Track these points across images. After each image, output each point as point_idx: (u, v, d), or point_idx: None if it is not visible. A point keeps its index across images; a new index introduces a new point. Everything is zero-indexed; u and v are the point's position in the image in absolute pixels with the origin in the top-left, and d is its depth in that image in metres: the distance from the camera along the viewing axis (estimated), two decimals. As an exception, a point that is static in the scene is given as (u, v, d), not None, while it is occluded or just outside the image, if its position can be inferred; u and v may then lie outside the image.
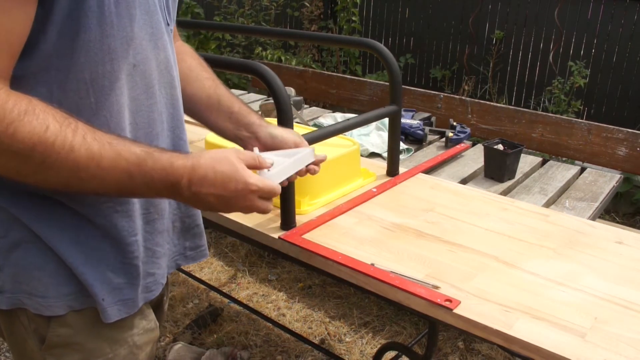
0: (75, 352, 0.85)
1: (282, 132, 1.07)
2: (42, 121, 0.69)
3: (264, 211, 0.87)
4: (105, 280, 0.84)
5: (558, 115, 2.29)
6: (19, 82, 0.72)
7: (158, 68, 0.87)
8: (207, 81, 1.08)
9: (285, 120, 1.22)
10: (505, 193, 1.69)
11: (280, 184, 0.91)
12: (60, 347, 0.84)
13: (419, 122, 2.13)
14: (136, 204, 0.86)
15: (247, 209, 0.86)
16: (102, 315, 0.85)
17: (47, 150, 0.69)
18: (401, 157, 1.80)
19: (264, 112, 2.09)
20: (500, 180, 1.74)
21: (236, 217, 1.39)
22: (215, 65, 1.21)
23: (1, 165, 0.70)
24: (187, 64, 1.08)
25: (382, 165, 1.70)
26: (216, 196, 0.81)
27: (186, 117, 1.00)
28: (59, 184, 0.74)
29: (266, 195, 0.86)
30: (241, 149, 0.94)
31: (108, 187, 0.76)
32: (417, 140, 2.06)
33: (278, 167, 0.93)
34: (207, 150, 0.84)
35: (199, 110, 1.07)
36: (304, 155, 1.01)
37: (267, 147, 1.05)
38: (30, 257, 0.80)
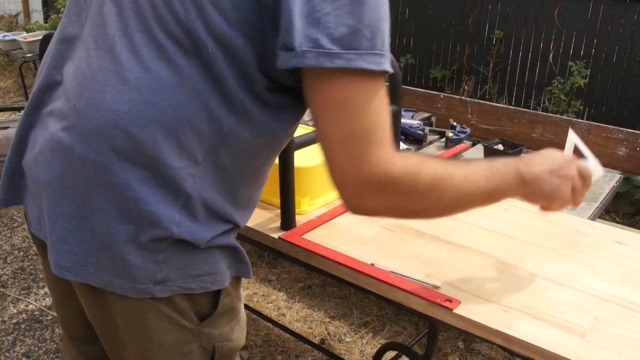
0: (227, 316, 0.93)
1: None
2: (429, 165, 0.82)
3: (582, 189, 0.99)
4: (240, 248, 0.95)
5: (558, 115, 2.29)
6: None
7: None
8: None
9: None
10: (505, 193, 1.69)
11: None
12: (220, 315, 0.92)
13: (419, 122, 2.13)
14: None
15: (569, 181, 0.97)
16: (249, 273, 0.95)
17: (438, 184, 0.82)
18: (401, 157, 1.80)
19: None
20: (500, 180, 1.74)
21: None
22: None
23: (412, 210, 0.85)
24: None
25: (382, 165, 1.69)
26: (546, 172, 0.94)
27: None
28: (448, 210, 0.89)
29: (582, 169, 1.00)
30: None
31: (477, 197, 0.88)
32: (417, 140, 2.06)
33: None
34: None
35: None
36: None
37: None
38: (194, 249, 0.85)
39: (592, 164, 1.04)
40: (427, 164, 0.83)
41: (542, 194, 0.95)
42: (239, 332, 0.96)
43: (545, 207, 0.99)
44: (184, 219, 0.81)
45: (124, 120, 0.77)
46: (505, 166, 0.91)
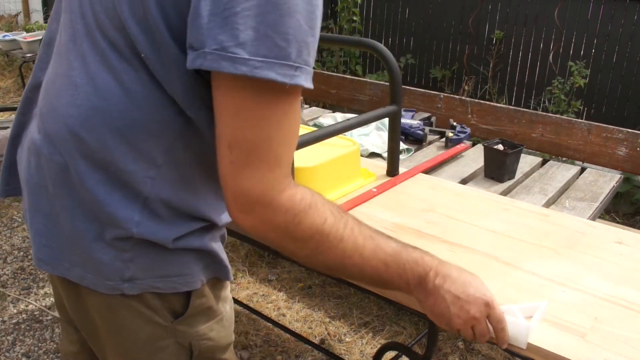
0: (204, 316, 0.93)
1: None
2: (321, 214, 0.79)
3: (479, 335, 0.90)
4: (221, 251, 0.94)
5: (558, 115, 2.29)
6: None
7: None
8: None
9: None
10: (505, 193, 1.69)
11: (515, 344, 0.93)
12: (194, 315, 0.91)
13: (419, 122, 2.13)
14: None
15: (468, 322, 0.88)
16: (228, 275, 0.95)
17: (321, 239, 0.79)
18: (401, 157, 1.80)
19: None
20: (500, 180, 1.74)
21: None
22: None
23: (281, 245, 0.81)
24: None
25: (382, 165, 1.70)
26: (452, 295, 0.87)
27: None
28: (324, 267, 0.85)
29: (495, 319, 0.89)
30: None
31: (365, 274, 0.85)
32: (417, 140, 2.06)
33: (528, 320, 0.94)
34: None
35: None
36: (543, 310, 0.99)
37: None
38: (161, 250, 0.85)
39: (523, 329, 0.92)
40: (320, 213, 0.78)
41: (433, 311, 0.88)
42: (220, 331, 0.96)
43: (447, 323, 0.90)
44: (145, 220, 0.81)
45: (76, 126, 0.79)
46: (415, 263, 0.86)
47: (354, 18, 4.24)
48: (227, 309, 0.99)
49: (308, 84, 0.71)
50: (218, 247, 0.92)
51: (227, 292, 1.00)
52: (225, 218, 0.92)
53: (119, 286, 0.84)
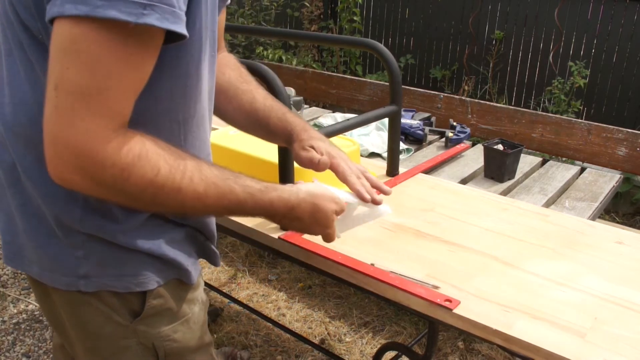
0: (165, 317, 0.93)
1: (318, 144, 1.09)
2: (153, 165, 0.73)
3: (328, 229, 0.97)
4: (186, 254, 0.93)
5: (558, 115, 2.29)
6: None
7: (209, 99, 0.93)
8: (244, 96, 1.09)
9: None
10: (505, 193, 1.69)
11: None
12: (152, 316, 0.91)
13: (419, 122, 2.13)
14: None
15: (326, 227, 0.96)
16: (188, 279, 0.94)
17: (156, 192, 0.75)
18: (401, 157, 1.80)
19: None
20: (500, 180, 1.74)
21: (236, 217, 1.38)
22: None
23: (115, 200, 0.78)
24: (227, 78, 1.10)
25: (382, 166, 1.70)
26: (301, 228, 0.96)
27: None
28: (169, 214, 0.88)
29: (339, 206, 0.98)
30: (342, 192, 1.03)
31: (210, 215, 0.93)
32: (417, 140, 2.06)
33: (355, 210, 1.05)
34: (315, 188, 0.96)
35: (243, 127, 1.14)
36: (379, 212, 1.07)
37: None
38: (114, 249, 0.86)
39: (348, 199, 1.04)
40: (151, 164, 0.73)
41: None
42: (186, 333, 0.96)
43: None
44: (88, 216, 0.82)
45: (9, 123, 0.81)
46: (260, 211, 0.88)
47: (355, 18, 4.23)
48: (195, 310, 0.99)
49: (164, 24, 0.66)
50: (178, 249, 0.91)
51: (196, 293, 0.99)
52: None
53: (75, 283, 0.85)
